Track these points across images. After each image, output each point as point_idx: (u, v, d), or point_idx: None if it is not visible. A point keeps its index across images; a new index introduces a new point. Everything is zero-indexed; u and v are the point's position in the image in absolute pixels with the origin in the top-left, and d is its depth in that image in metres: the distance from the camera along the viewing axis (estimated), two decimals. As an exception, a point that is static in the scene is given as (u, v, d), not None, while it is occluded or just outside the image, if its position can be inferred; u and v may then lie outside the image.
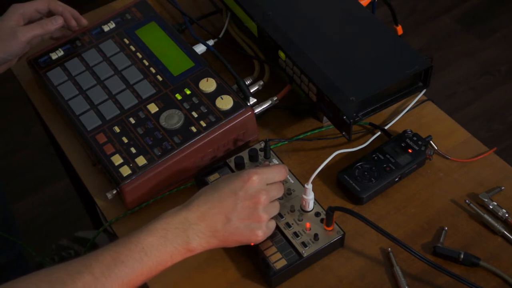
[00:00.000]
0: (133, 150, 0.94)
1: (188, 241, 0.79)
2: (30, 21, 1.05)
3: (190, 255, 0.80)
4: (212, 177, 0.95)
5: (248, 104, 0.99)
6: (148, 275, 0.78)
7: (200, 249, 0.81)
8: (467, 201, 0.93)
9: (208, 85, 1.00)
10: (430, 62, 0.97)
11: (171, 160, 0.93)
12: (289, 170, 0.95)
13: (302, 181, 0.93)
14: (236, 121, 0.96)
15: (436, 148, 1.00)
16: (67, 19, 1.07)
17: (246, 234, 0.82)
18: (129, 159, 0.93)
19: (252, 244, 0.85)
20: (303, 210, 0.90)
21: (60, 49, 1.08)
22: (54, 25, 1.04)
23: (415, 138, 0.98)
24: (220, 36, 1.14)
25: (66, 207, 1.89)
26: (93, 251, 0.77)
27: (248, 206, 0.81)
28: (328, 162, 0.90)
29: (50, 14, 1.07)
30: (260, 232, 0.83)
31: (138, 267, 0.76)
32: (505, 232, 0.90)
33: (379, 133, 1.02)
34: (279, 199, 0.89)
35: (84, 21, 1.09)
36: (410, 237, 0.91)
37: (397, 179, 0.96)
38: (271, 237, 0.88)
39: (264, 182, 0.83)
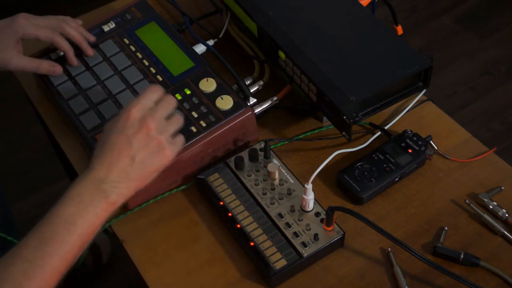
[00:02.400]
0: (133, 150, 0.94)
1: (106, 196, 0.79)
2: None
3: (115, 207, 0.81)
4: (212, 177, 0.95)
5: (248, 104, 0.99)
6: (82, 241, 0.78)
7: (122, 198, 0.81)
8: (467, 201, 0.93)
9: (208, 85, 1.00)
10: (430, 62, 0.97)
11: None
12: (289, 170, 0.95)
13: (302, 181, 0.93)
14: (236, 121, 0.96)
15: (436, 148, 1.00)
16: (69, 58, 1.05)
17: (156, 160, 0.83)
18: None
19: (167, 165, 0.85)
20: (303, 210, 0.90)
21: (60, 49, 1.08)
22: (50, 72, 1.03)
23: (415, 138, 0.98)
24: (220, 36, 1.14)
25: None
26: (19, 243, 0.77)
27: (142, 137, 0.81)
28: (328, 162, 0.90)
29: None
30: (167, 151, 0.83)
31: (68, 238, 0.76)
32: (505, 232, 0.90)
33: (379, 133, 1.02)
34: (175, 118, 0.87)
35: (90, 52, 1.07)
36: (410, 237, 0.91)
37: (397, 179, 0.96)
38: (271, 237, 0.88)
39: (144, 108, 0.83)
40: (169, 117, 0.86)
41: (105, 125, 0.84)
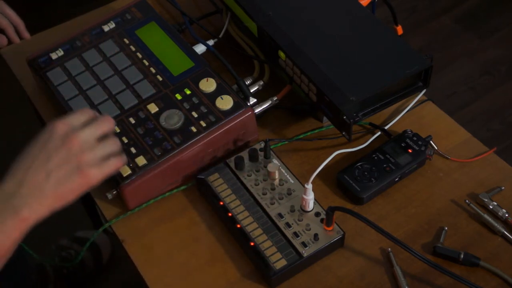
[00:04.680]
0: (133, 150, 0.94)
1: (16, 211, 0.73)
2: None
3: (29, 224, 0.75)
4: (212, 177, 0.95)
5: (248, 104, 0.99)
6: None
7: (35, 215, 0.75)
8: (467, 201, 0.93)
9: (208, 85, 1.00)
10: (430, 62, 0.97)
11: (171, 160, 0.93)
12: (289, 170, 0.95)
13: (302, 181, 0.93)
14: (236, 121, 0.96)
15: (436, 148, 1.00)
16: (9, 35, 1.04)
17: (74, 180, 0.77)
18: (129, 159, 0.93)
19: (88, 187, 0.79)
20: (303, 210, 0.90)
21: (60, 49, 1.08)
22: None
23: (415, 138, 0.98)
24: (220, 36, 1.13)
25: (66, 207, 1.89)
26: None
27: (62, 153, 0.77)
28: (328, 162, 0.90)
29: None
30: (89, 173, 0.77)
31: None
32: (505, 232, 0.90)
33: (379, 133, 1.02)
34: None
35: (27, 35, 1.05)
36: (410, 237, 0.91)
37: (397, 179, 0.96)
38: (271, 237, 0.88)
39: (71, 125, 0.79)
40: (103, 139, 0.80)
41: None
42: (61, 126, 0.78)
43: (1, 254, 0.73)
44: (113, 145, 0.82)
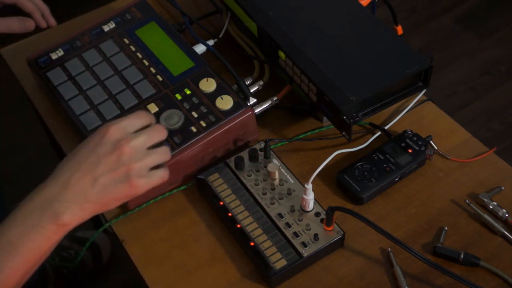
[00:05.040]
0: (133, 150, 0.94)
1: (57, 216, 0.71)
2: None
3: (68, 229, 0.73)
4: (212, 177, 0.95)
5: (248, 104, 0.99)
6: (27, 266, 0.72)
7: (76, 220, 0.73)
8: (467, 201, 0.93)
9: (208, 85, 1.00)
10: (430, 62, 0.97)
11: (171, 160, 0.93)
12: (289, 170, 0.95)
13: (302, 181, 0.93)
14: (236, 121, 0.96)
15: (436, 148, 1.00)
16: (36, 20, 1.02)
17: (119, 188, 0.75)
18: (129, 159, 0.93)
19: (131, 196, 0.77)
20: (303, 210, 0.90)
21: (60, 49, 1.08)
22: (20, 29, 0.99)
23: (415, 138, 0.98)
24: (220, 36, 1.13)
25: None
26: None
27: (111, 159, 0.74)
28: (328, 162, 0.90)
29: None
30: (137, 182, 0.75)
31: (8, 263, 0.70)
32: (505, 232, 0.90)
33: (379, 133, 1.02)
34: (163, 143, 0.82)
35: (52, 21, 1.03)
36: (410, 237, 0.91)
37: (397, 179, 0.96)
38: (271, 237, 0.88)
39: (124, 131, 0.76)
40: (153, 148, 0.78)
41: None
42: (114, 130, 0.75)
43: (39, 257, 0.73)
44: (163, 155, 0.79)
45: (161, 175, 0.78)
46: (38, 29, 1.09)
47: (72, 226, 0.74)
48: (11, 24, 0.98)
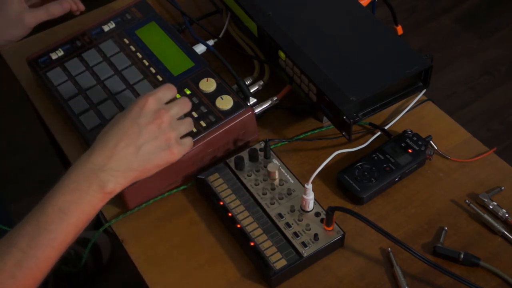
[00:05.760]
0: (133, 150, 0.94)
1: (103, 185, 0.78)
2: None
3: (111, 197, 0.80)
4: (212, 177, 0.95)
5: (248, 104, 0.99)
6: (76, 231, 0.78)
7: (119, 188, 0.80)
8: (467, 201, 0.93)
9: (208, 85, 1.00)
10: (430, 62, 0.97)
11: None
12: (289, 170, 0.95)
13: (302, 181, 0.93)
14: (236, 121, 0.96)
15: (436, 148, 1.00)
16: (73, 3, 1.06)
17: (161, 156, 0.82)
18: (129, 159, 0.93)
19: (170, 162, 0.84)
20: (303, 210, 0.90)
21: (60, 49, 1.08)
22: (60, 11, 1.02)
23: (415, 138, 0.98)
24: (220, 36, 1.14)
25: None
26: (13, 228, 0.77)
27: (153, 128, 0.81)
28: (328, 162, 0.90)
29: None
30: (175, 149, 0.83)
31: (62, 228, 0.76)
32: (505, 232, 0.90)
33: (379, 133, 1.02)
34: (188, 115, 0.91)
35: (81, 6, 1.06)
36: (410, 237, 0.91)
37: (397, 179, 0.96)
38: (271, 237, 0.88)
39: (160, 101, 0.83)
40: (181, 119, 0.86)
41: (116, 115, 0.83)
42: (152, 102, 0.82)
43: (86, 221, 0.79)
44: (191, 124, 0.88)
45: (190, 143, 0.87)
46: (66, 16, 1.10)
47: (115, 194, 0.80)
48: (52, 9, 1.02)
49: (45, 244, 0.75)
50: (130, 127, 0.80)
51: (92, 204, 0.78)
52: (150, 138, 0.81)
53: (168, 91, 0.85)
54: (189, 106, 0.87)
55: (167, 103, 0.86)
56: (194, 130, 0.95)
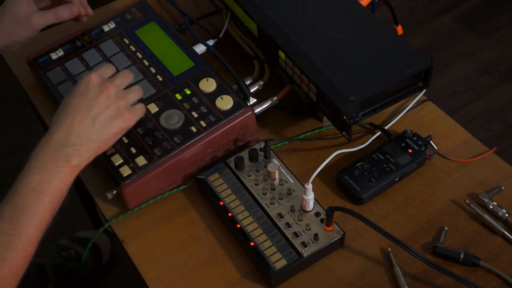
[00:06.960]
0: (133, 150, 0.94)
1: (68, 159, 0.82)
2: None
3: (79, 169, 0.84)
4: (212, 177, 0.95)
5: (248, 104, 0.99)
6: (53, 207, 0.81)
7: (85, 160, 0.84)
8: (467, 201, 0.93)
9: (208, 85, 1.00)
10: (430, 62, 0.97)
11: (171, 160, 0.93)
12: (289, 170, 0.95)
13: (302, 181, 0.93)
14: (236, 121, 0.96)
15: (436, 148, 1.00)
16: (81, 7, 1.05)
17: (116, 123, 0.86)
18: (129, 159, 0.93)
19: (125, 129, 0.89)
20: (303, 210, 0.90)
21: (60, 49, 1.08)
22: (68, 15, 1.03)
23: (415, 138, 0.98)
24: (220, 36, 1.14)
25: (66, 207, 1.89)
26: None
27: (102, 100, 0.85)
28: (328, 162, 0.90)
29: None
30: (127, 115, 0.87)
31: (40, 207, 0.79)
32: (505, 232, 0.90)
33: (379, 133, 1.02)
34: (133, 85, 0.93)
35: (90, 10, 1.07)
36: (410, 237, 0.91)
37: (397, 179, 0.96)
38: (271, 237, 0.88)
39: (103, 76, 0.88)
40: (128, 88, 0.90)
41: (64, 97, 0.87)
42: (95, 76, 0.87)
43: (60, 197, 0.82)
44: (139, 91, 0.92)
45: (142, 108, 0.91)
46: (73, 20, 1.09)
47: (82, 167, 0.84)
48: (60, 12, 1.02)
49: (27, 223, 0.78)
50: (81, 103, 0.84)
51: (62, 180, 0.81)
52: (102, 109, 0.85)
53: (107, 68, 0.90)
54: (131, 76, 0.92)
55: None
56: (194, 130, 0.95)
